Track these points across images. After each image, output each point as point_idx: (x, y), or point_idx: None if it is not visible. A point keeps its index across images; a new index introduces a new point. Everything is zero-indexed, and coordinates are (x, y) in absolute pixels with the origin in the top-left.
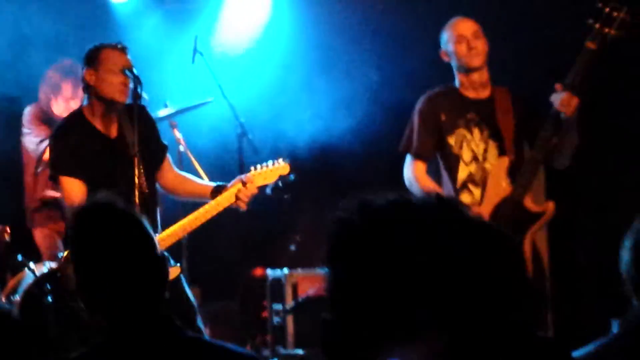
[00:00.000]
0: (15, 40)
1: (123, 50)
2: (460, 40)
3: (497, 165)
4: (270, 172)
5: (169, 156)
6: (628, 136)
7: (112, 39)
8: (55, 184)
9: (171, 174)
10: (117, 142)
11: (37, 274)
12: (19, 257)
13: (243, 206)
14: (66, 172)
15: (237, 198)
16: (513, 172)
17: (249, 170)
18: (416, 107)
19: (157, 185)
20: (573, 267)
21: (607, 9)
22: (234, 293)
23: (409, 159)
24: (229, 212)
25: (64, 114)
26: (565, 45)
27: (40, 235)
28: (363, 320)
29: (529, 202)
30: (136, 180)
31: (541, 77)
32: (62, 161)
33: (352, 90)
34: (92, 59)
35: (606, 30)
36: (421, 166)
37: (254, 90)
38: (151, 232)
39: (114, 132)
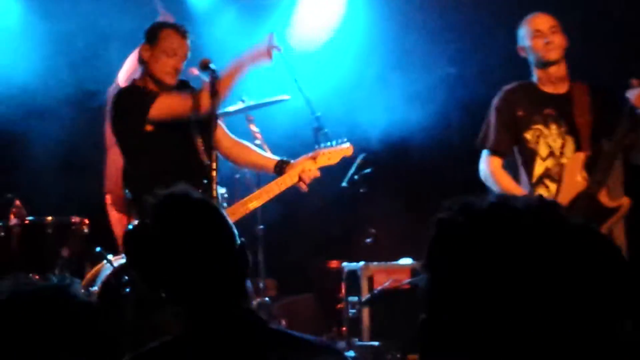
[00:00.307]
0: (93, 36)
1: (184, 34)
2: (537, 34)
3: (573, 160)
4: (335, 152)
5: (222, 125)
6: None
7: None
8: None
9: (227, 141)
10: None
11: (115, 265)
12: (98, 249)
13: (304, 187)
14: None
15: (300, 178)
16: (590, 168)
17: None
18: (493, 102)
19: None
20: None
21: None
22: (310, 286)
23: (485, 154)
24: (305, 205)
25: None
26: None
27: (119, 226)
28: (463, 322)
29: (604, 197)
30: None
31: (619, 73)
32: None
33: (427, 85)
34: (152, 35)
35: None
36: (497, 161)
37: (329, 85)
38: (229, 221)
39: None
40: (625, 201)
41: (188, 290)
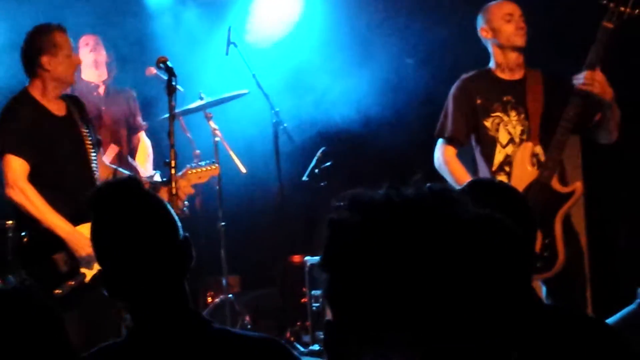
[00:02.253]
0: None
1: (65, 30)
2: (509, 18)
3: (521, 151)
4: (203, 172)
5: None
6: None
7: (145, 32)
8: None
9: (104, 170)
10: (66, 121)
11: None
12: None
13: (180, 204)
14: (10, 149)
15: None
16: (544, 141)
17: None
18: (450, 92)
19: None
20: (612, 244)
21: None
22: (274, 281)
23: (440, 142)
24: (265, 200)
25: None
26: (578, 25)
27: None
28: (362, 323)
29: (556, 184)
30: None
31: (558, 58)
32: (15, 137)
33: (385, 77)
34: (47, 44)
35: (622, 9)
36: (452, 150)
37: (288, 79)
38: (174, 214)
39: (62, 111)
40: (578, 186)
41: (128, 284)
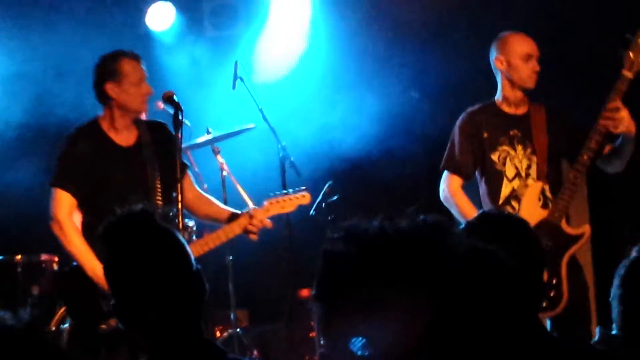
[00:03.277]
0: (55, 70)
1: (139, 59)
2: (528, 58)
3: (531, 189)
4: (290, 201)
5: (190, 175)
6: None
7: (154, 67)
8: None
9: (191, 193)
10: (132, 151)
11: None
12: None
13: (254, 237)
14: (59, 184)
15: (247, 230)
16: (552, 189)
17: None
18: (456, 124)
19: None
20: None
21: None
22: (281, 315)
23: (446, 174)
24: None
25: None
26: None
27: None
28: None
29: (565, 225)
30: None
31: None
32: (62, 171)
33: (391, 111)
34: (111, 70)
35: None
36: (457, 182)
37: (294, 113)
38: (187, 246)
39: (130, 141)
40: (586, 229)
41: (142, 316)
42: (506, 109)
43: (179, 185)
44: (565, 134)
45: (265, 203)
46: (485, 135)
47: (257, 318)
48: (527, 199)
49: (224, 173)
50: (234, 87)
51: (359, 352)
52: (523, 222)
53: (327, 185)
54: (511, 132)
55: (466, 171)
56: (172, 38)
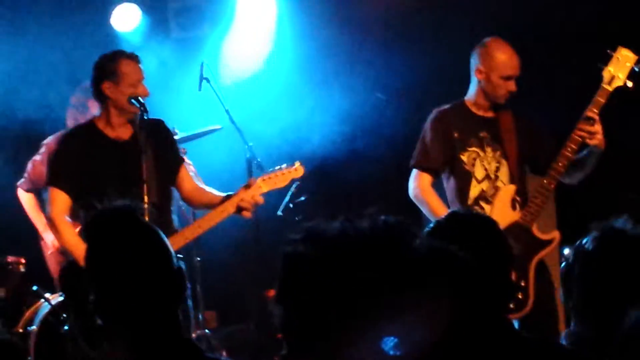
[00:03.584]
0: (21, 72)
1: (138, 60)
2: (507, 79)
3: (504, 192)
4: (283, 175)
5: (186, 168)
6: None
7: None
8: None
9: (189, 185)
10: (126, 145)
11: (53, 303)
12: (35, 288)
13: (247, 214)
14: (52, 182)
15: (241, 207)
16: (519, 193)
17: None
18: (427, 123)
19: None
20: None
21: (618, 56)
22: (250, 315)
23: (415, 172)
24: (241, 236)
25: None
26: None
27: (53, 262)
28: (317, 356)
29: (536, 230)
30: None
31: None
32: (55, 170)
33: (357, 111)
34: (110, 70)
35: (620, 76)
36: (427, 180)
37: (261, 113)
38: (168, 243)
39: (126, 136)
40: (556, 234)
41: (121, 312)
42: (475, 110)
43: (145, 186)
44: (532, 139)
45: (258, 180)
46: (456, 135)
47: (226, 319)
48: (499, 201)
49: (191, 174)
50: (200, 88)
51: (391, 352)
52: (491, 222)
53: (294, 185)
54: (481, 134)
55: (436, 169)
56: (137, 39)
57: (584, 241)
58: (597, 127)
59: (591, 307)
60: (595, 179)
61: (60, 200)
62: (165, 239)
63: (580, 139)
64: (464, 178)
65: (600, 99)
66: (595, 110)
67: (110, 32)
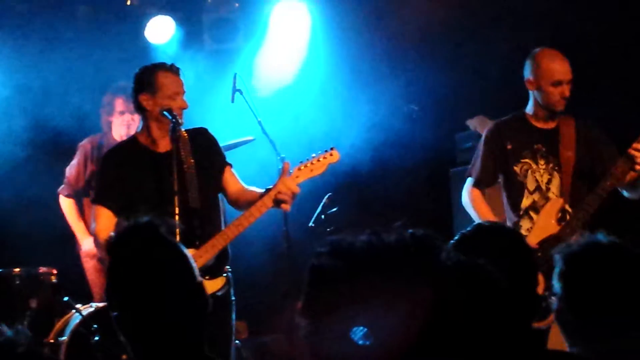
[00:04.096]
0: (57, 83)
1: (178, 72)
2: (557, 85)
3: (551, 204)
4: (318, 162)
5: (233, 173)
6: None
7: None
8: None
9: (234, 187)
10: (168, 157)
11: (84, 314)
12: (66, 299)
13: (286, 207)
14: (97, 200)
15: (279, 200)
16: (573, 206)
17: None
18: (483, 135)
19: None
20: None
21: None
22: (281, 326)
23: (468, 182)
24: (272, 246)
25: (122, 129)
26: None
27: (92, 270)
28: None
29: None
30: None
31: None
32: (99, 188)
33: (386, 118)
34: (148, 82)
35: None
36: (478, 191)
37: (293, 125)
38: (191, 260)
39: (168, 147)
40: None
41: (145, 328)
42: (534, 122)
43: (176, 198)
44: (592, 151)
45: (294, 169)
46: (509, 147)
47: (256, 329)
48: (545, 213)
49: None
50: (232, 99)
51: (360, 342)
52: (516, 235)
53: (326, 196)
54: (535, 146)
55: (486, 179)
56: (171, 51)
57: (560, 266)
58: None
59: (580, 328)
60: None
61: (105, 217)
62: (188, 255)
63: (632, 160)
64: (517, 188)
65: None
66: None
67: (144, 44)
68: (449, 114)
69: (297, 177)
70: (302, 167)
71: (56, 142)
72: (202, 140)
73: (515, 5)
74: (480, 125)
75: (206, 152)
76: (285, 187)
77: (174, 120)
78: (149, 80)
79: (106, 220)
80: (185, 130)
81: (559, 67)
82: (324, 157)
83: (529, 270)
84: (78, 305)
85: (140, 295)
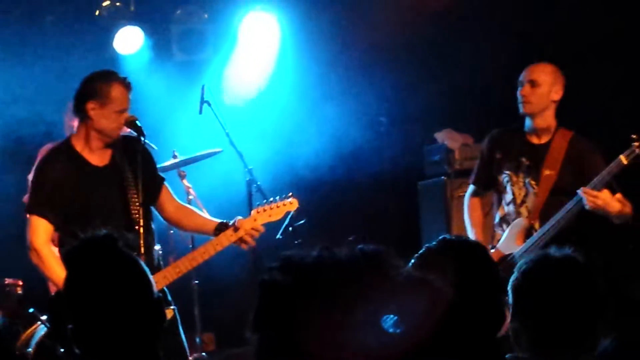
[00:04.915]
0: (23, 97)
1: (129, 87)
2: (519, 84)
3: (515, 223)
4: (277, 208)
5: (168, 188)
6: None
7: None
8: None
9: (172, 205)
10: (107, 171)
11: (49, 325)
12: (31, 310)
13: (244, 246)
14: (34, 210)
15: (242, 240)
16: (542, 223)
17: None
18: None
19: (162, 218)
20: None
21: None
22: (248, 338)
23: (469, 189)
24: (239, 258)
25: None
26: None
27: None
28: None
29: None
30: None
31: None
32: (35, 198)
33: (354, 130)
34: (100, 91)
35: None
36: (473, 196)
37: (261, 137)
38: (148, 273)
39: (105, 161)
40: None
41: (100, 342)
42: (528, 136)
43: (140, 209)
44: (578, 170)
45: (253, 212)
46: (499, 156)
47: (223, 342)
48: (510, 230)
49: (190, 197)
50: (200, 111)
51: (390, 330)
52: (480, 249)
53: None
54: (521, 159)
55: (480, 186)
56: (140, 62)
57: (512, 277)
58: (601, 195)
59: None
60: None
61: (42, 228)
62: (146, 269)
63: (590, 205)
64: (498, 198)
65: (614, 169)
66: (607, 175)
67: (113, 54)
68: (417, 127)
69: (255, 219)
70: (261, 211)
71: (21, 151)
72: (137, 152)
73: (485, 19)
74: (448, 139)
75: (143, 166)
76: (247, 229)
77: (139, 132)
78: (101, 89)
79: (44, 233)
80: (119, 138)
81: (526, 69)
82: (284, 204)
83: (492, 284)
84: (43, 317)
85: (95, 309)
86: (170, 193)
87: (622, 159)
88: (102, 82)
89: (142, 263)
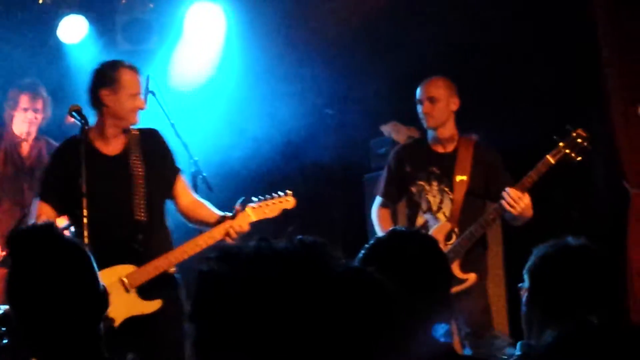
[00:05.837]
0: None
1: (138, 71)
2: (418, 103)
3: (439, 228)
4: (274, 205)
5: (183, 181)
6: None
7: (65, 80)
8: None
9: (186, 198)
10: (117, 160)
11: None
12: None
13: (230, 241)
14: (40, 195)
15: (227, 233)
16: (461, 226)
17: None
18: (388, 157)
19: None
20: None
21: (574, 134)
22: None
23: (376, 201)
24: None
25: (23, 126)
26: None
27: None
28: None
29: (455, 268)
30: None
31: None
32: (44, 184)
33: (301, 120)
34: (110, 78)
35: (568, 151)
36: (382, 208)
37: (207, 128)
38: (93, 262)
39: (117, 150)
40: (472, 277)
41: (42, 330)
42: (433, 146)
43: (84, 200)
44: (488, 173)
45: (247, 208)
46: (408, 169)
47: None
48: (432, 234)
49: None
50: (145, 101)
51: (442, 339)
52: (429, 240)
53: (239, 201)
54: (430, 169)
55: (391, 198)
56: (84, 51)
57: (530, 263)
58: (525, 198)
59: (551, 319)
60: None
61: (43, 212)
62: (91, 257)
63: (507, 207)
64: (413, 208)
65: (541, 168)
66: (533, 176)
67: (56, 43)
68: (363, 119)
69: (249, 216)
70: (256, 207)
71: None
72: (154, 143)
73: (429, 13)
74: (394, 131)
75: (158, 157)
76: (237, 225)
77: (84, 120)
78: (112, 76)
79: (44, 217)
80: (137, 130)
81: (421, 87)
82: (280, 202)
83: (442, 274)
84: None
85: (37, 297)
86: (185, 186)
87: (550, 158)
88: (111, 70)
89: (89, 253)
